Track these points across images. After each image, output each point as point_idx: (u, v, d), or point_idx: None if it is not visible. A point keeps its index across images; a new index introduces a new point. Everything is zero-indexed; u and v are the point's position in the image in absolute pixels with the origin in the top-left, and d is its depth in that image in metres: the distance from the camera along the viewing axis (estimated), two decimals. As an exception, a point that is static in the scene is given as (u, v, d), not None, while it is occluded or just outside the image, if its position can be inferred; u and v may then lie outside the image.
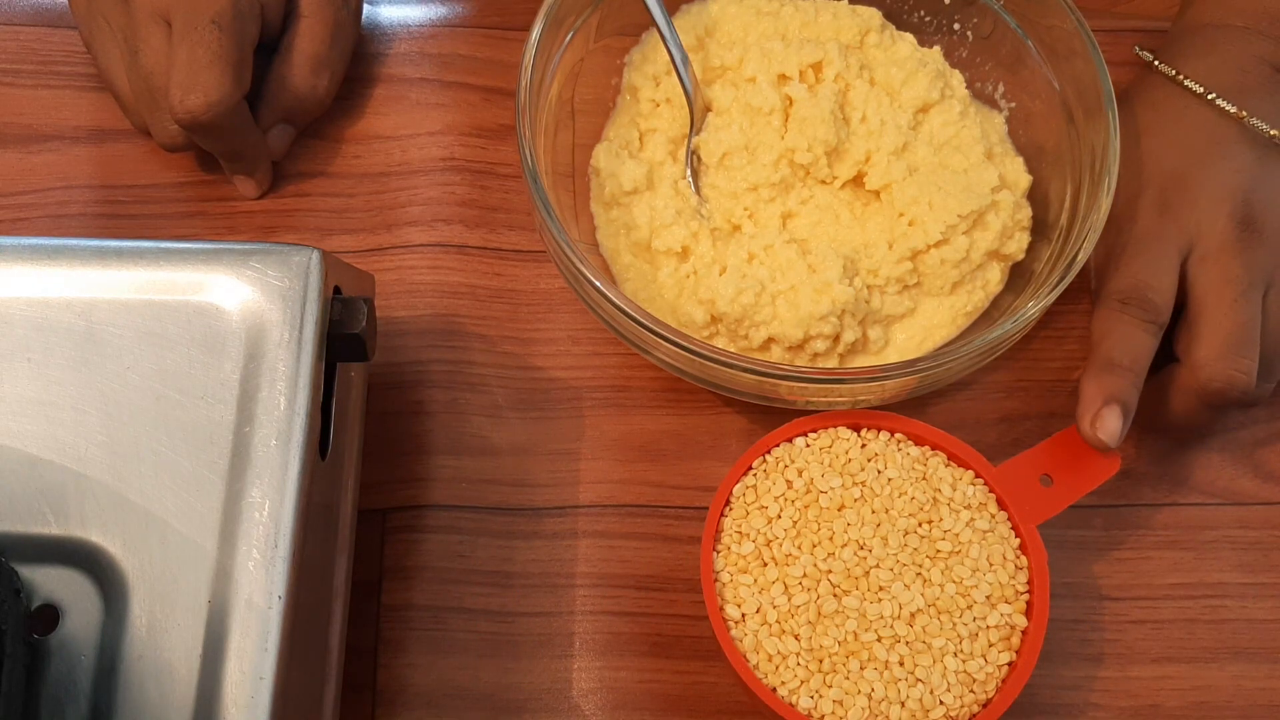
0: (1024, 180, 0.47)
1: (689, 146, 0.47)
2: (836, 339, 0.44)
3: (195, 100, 0.43)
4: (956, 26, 0.50)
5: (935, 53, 0.48)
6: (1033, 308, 0.41)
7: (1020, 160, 0.48)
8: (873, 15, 0.49)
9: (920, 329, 0.46)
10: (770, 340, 0.44)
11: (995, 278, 0.46)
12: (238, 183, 0.49)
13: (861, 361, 0.46)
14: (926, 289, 0.46)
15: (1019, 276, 0.47)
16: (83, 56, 0.51)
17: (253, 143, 0.47)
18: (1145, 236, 0.44)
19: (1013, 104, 0.49)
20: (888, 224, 0.46)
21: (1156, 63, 0.46)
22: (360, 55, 0.52)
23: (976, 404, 0.47)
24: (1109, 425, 0.40)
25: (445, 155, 0.50)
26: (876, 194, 0.47)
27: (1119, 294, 0.43)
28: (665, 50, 0.46)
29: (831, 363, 0.45)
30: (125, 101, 0.47)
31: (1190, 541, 0.45)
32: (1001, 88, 0.49)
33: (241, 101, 0.45)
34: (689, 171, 0.47)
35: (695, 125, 0.47)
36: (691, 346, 0.39)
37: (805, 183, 0.47)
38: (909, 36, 0.48)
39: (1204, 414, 0.43)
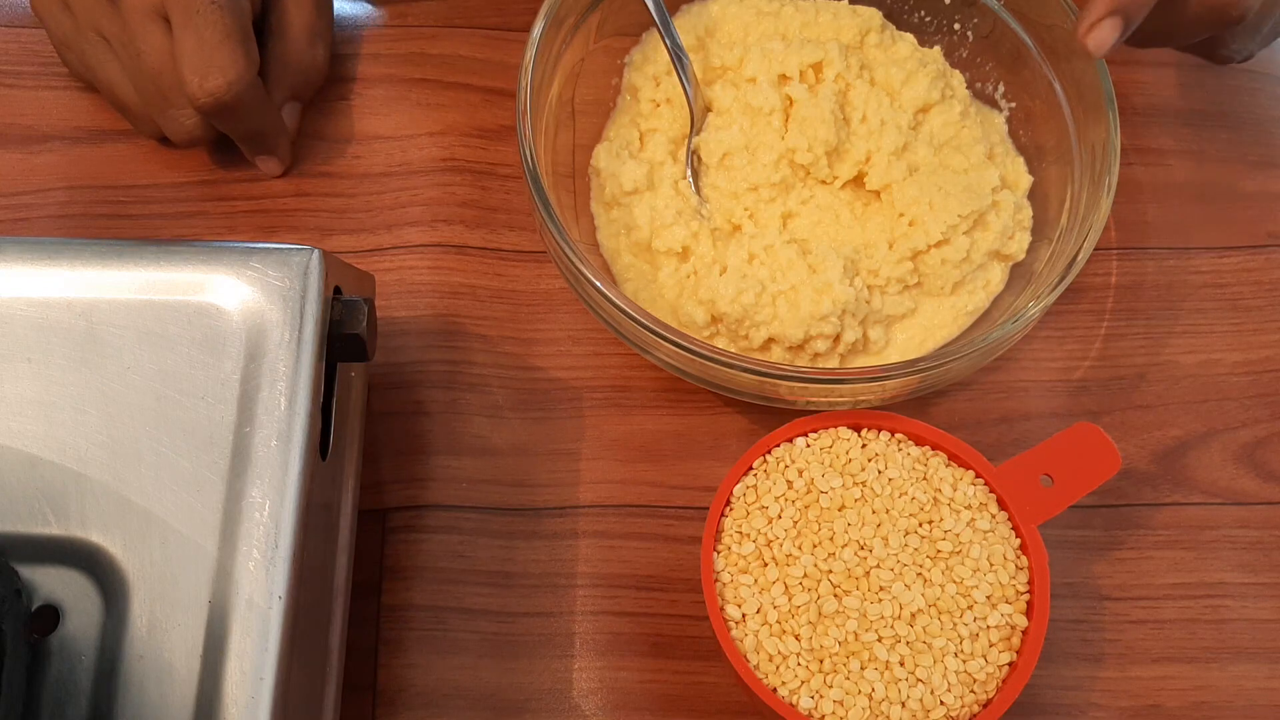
0: (1025, 180, 0.47)
1: (689, 147, 0.47)
2: (837, 339, 0.44)
3: (215, 81, 0.43)
4: (956, 26, 0.50)
5: (935, 53, 0.48)
6: (1033, 308, 0.41)
7: (1021, 160, 0.48)
8: (873, 15, 0.49)
9: (921, 329, 0.46)
10: (771, 340, 0.44)
11: (996, 278, 0.46)
12: (261, 164, 0.49)
13: (862, 361, 0.46)
14: (927, 289, 0.46)
15: (1019, 276, 0.47)
16: (83, 57, 0.51)
17: (272, 119, 0.47)
18: None
19: (1013, 104, 0.49)
20: (888, 224, 0.46)
21: None
22: (361, 55, 0.52)
23: (976, 404, 0.47)
24: (1102, 35, 0.39)
25: (445, 155, 0.50)
26: (877, 194, 0.47)
27: None
28: (665, 50, 0.46)
29: (832, 363, 0.45)
30: (133, 110, 0.47)
31: (1190, 541, 0.45)
32: (1001, 88, 0.49)
33: (257, 77, 0.45)
34: (689, 172, 0.47)
35: (695, 125, 0.47)
36: (692, 347, 0.39)
37: (805, 183, 0.47)
38: (909, 36, 0.48)
39: (1197, 29, 0.42)
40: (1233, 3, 0.40)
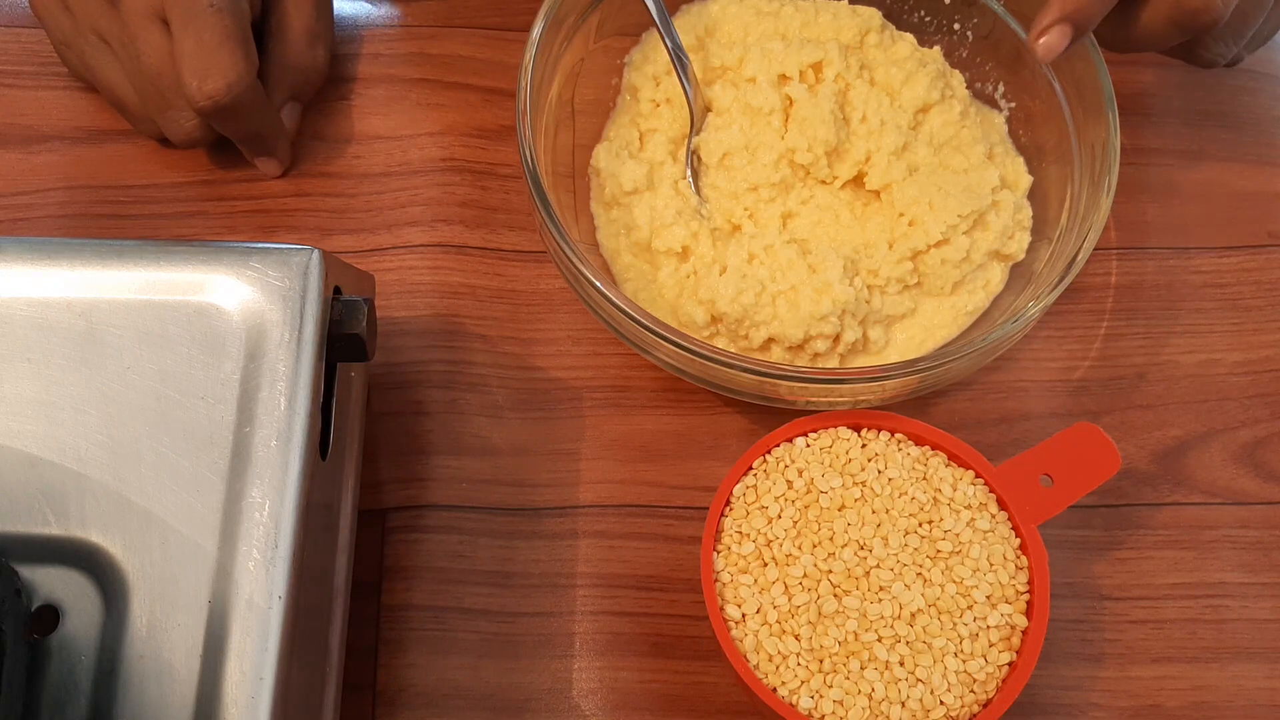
0: (1025, 180, 0.47)
1: (689, 146, 0.47)
2: (837, 339, 0.44)
3: (214, 84, 0.43)
4: (956, 26, 0.50)
5: (935, 53, 0.48)
6: (1033, 308, 0.41)
7: (1021, 160, 0.48)
8: (873, 15, 0.49)
9: (921, 329, 0.46)
10: (770, 340, 0.44)
11: (996, 277, 0.46)
12: (260, 164, 0.49)
13: (862, 361, 0.46)
14: (927, 289, 0.46)
15: (1019, 276, 0.47)
16: (83, 57, 0.51)
17: (271, 120, 0.47)
18: None
19: (1013, 104, 0.49)
20: (888, 224, 0.46)
21: None
22: (361, 55, 0.52)
23: (976, 404, 0.47)
24: (1052, 42, 0.40)
25: (445, 155, 0.50)
26: (877, 194, 0.47)
27: None
28: (665, 50, 0.46)
29: (832, 363, 0.45)
30: (132, 110, 0.47)
31: (1190, 541, 0.45)
32: (1001, 88, 0.49)
33: (256, 79, 0.45)
34: (689, 171, 0.47)
35: (695, 125, 0.47)
36: (692, 347, 0.39)
37: (805, 183, 0.47)
38: (909, 36, 0.48)
39: (1171, 34, 0.41)
40: (1204, 8, 0.40)
